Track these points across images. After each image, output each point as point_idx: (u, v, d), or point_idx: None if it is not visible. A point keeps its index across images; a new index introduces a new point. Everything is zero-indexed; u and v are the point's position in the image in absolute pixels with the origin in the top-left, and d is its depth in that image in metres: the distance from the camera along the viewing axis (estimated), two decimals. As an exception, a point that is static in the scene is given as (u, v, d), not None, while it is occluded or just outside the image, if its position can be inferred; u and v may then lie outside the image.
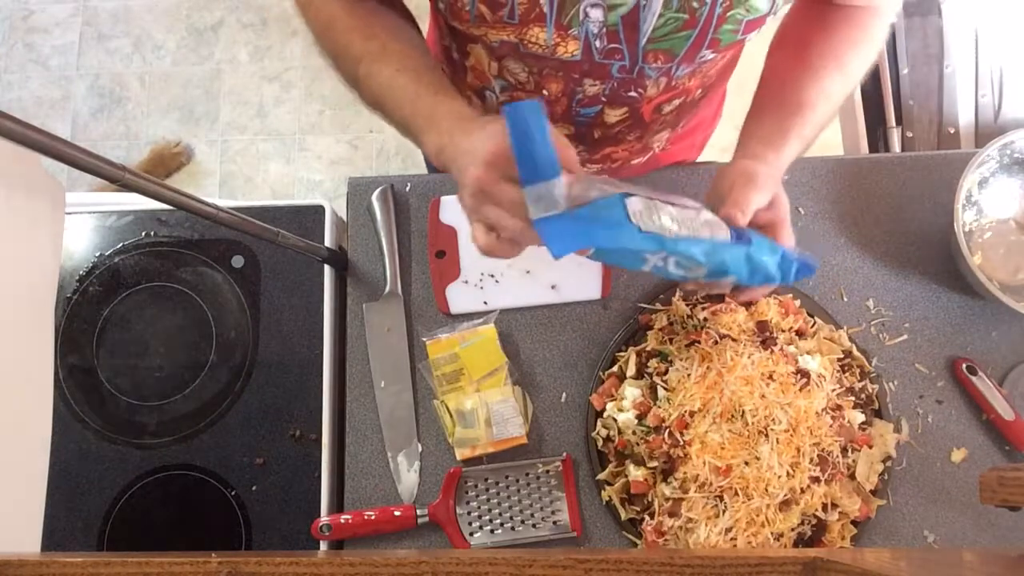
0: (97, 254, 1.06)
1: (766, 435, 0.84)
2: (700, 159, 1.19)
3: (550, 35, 0.67)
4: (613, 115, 0.82)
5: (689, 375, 0.88)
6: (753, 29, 0.68)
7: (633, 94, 0.78)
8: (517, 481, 0.94)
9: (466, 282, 1.00)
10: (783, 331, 0.93)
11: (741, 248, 0.64)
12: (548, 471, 0.94)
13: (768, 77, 0.78)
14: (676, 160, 1.08)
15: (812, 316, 0.96)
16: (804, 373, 0.88)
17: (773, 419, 0.85)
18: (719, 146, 2.07)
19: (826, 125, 0.76)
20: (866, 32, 0.74)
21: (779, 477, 0.83)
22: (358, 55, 0.70)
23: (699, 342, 0.90)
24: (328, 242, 1.05)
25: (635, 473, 0.89)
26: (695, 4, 0.64)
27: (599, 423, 0.93)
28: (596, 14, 0.64)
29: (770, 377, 0.87)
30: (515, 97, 0.82)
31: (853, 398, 0.92)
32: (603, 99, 0.79)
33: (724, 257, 0.63)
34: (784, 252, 0.71)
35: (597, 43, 0.68)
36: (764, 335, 0.91)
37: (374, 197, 1.02)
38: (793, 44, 0.77)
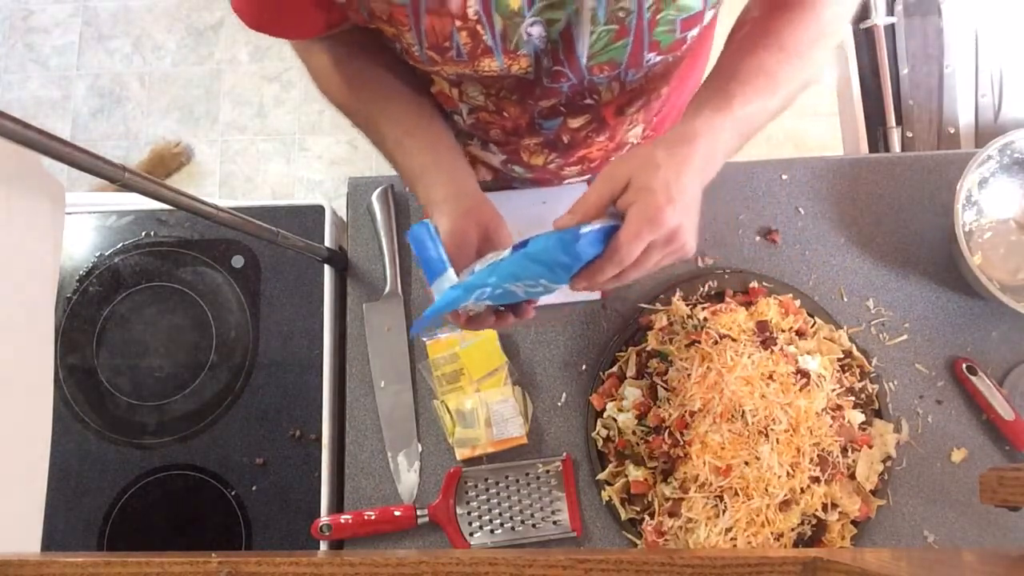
0: (97, 254, 1.06)
1: (766, 435, 0.84)
2: None
3: (501, 62, 0.68)
4: (576, 122, 0.82)
5: (689, 375, 0.88)
6: (692, 27, 0.67)
7: (589, 101, 0.78)
8: (517, 481, 0.94)
9: (466, 282, 1.00)
10: (783, 331, 0.93)
11: (517, 254, 0.65)
12: (548, 471, 0.94)
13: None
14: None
15: (812, 316, 0.96)
16: (804, 373, 0.88)
17: (773, 419, 0.85)
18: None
19: (775, 103, 0.70)
20: (808, 12, 0.70)
21: (779, 477, 0.83)
22: (352, 110, 0.79)
23: (699, 342, 0.90)
24: (328, 242, 1.05)
25: (635, 473, 0.89)
26: (621, 14, 0.63)
27: (599, 423, 0.93)
28: (537, 30, 0.65)
29: (770, 377, 0.87)
30: (480, 119, 0.83)
31: (853, 398, 0.92)
32: (562, 109, 0.79)
33: (511, 270, 0.65)
34: (568, 234, 0.65)
35: (545, 61, 0.69)
36: (764, 335, 0.91)
37: (374, 197, 1.02)
38: (736, 29, 0.76)
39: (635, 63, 0.70)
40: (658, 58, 0.71)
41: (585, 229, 0.64)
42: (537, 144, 0.87)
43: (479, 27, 0.63)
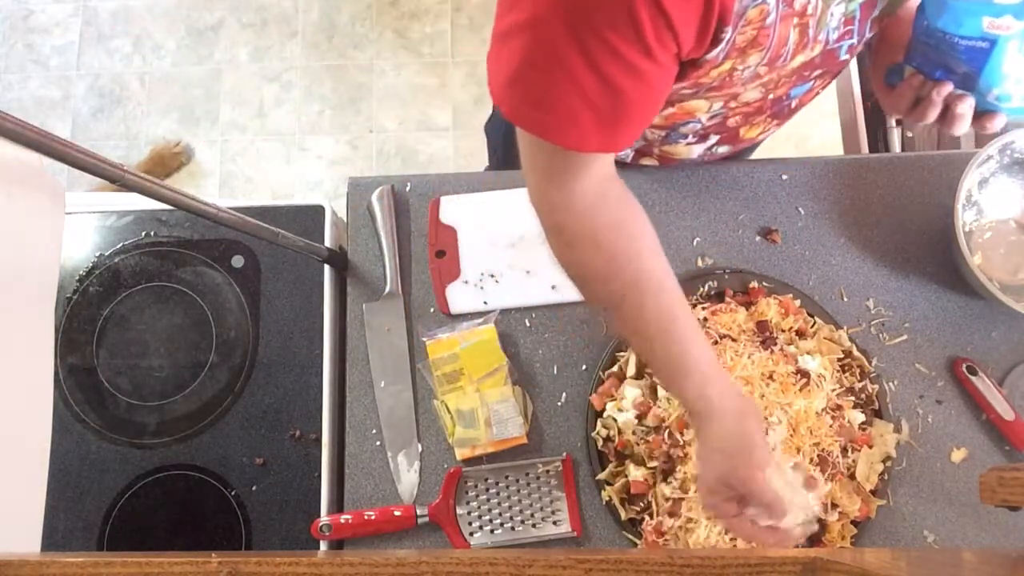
0: (97, 254, 1.06)
1: (766, 435, 0.84)
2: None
3: (807, 52, 0.70)
4: (821, 84, 0.83)
5: (689, 375, 0.88)
6: None
7: (844, 56, 0.77)
8: (517, 481, 0.94)
9: (466, 282, 1.00)
10: (783, 331, 0.93)
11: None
12: (548, 471, 0.94)
13: None
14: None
15: (812, 316, 0.96)
16: (804, 373, 0.88)
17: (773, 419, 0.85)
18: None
19: None
20: None
21: (779, 477, 0.83)
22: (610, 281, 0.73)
23: (699, 342, 0.90)
24: (328, 242, 1.05)
25: (635, 473, 0.89)
26: None
27: (599, 423, 0.93)
28: (839, 9, 0.67)
29: (770, 377, 0.87)
30: (725, 116, 0.83)
31: (853, 398, 0.92)
32: (814, 78, 0.79)
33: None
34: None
35: (833, 35, 0.70)
36: (764, 335, 0.91)
37: (374, 197, 1.02)
38: None
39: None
40: None
41: None
42: (768, 116, 0.87)
43: (809, 20, 0.65)
